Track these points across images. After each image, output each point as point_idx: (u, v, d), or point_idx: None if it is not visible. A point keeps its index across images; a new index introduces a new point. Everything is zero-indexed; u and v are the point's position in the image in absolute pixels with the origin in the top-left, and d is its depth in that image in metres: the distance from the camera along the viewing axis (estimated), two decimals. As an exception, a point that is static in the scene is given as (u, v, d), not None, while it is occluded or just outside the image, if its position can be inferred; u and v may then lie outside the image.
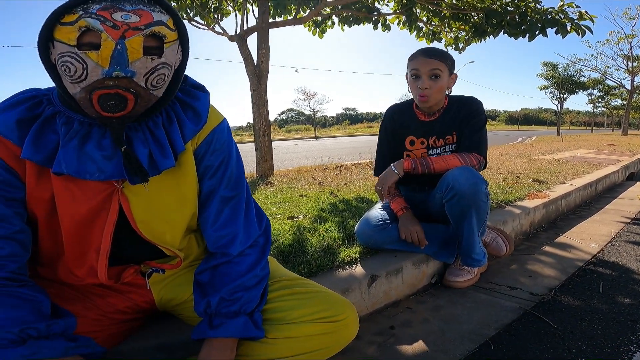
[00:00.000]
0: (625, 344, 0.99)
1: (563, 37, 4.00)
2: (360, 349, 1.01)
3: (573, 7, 4.05)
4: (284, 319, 0.71)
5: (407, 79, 1.41)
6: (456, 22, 4.73)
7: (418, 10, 4.66)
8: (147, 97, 0.61)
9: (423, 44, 5.42)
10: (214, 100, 0.80)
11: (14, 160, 0.62)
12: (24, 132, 0.62)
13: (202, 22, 4.37)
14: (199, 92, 0.75)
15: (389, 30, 4.73)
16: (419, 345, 1.03)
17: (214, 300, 0.70)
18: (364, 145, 15.12)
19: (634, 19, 17.35)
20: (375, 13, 4.46)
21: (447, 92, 1.42)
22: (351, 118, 76.44)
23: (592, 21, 4.06)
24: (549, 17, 4.05)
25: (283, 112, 74.56)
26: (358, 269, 1.22)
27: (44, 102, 0.65)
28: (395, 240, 1.35)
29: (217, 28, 4.40)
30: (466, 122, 1.38)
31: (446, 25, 4.87)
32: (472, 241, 1.28)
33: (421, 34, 4.99)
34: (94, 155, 0.62)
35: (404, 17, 4.64)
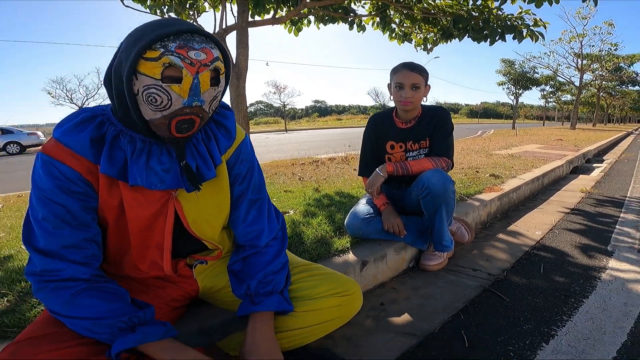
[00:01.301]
0: (560, 314, 1.26)
1: (519, 42, 4.42)
2: (359, 321, 1.23)
3: (530, 14, 4.49)
4: (309, 296, 0.91)
5: (389, 89, 1.64)
6: (426, 25, 5.04)
7: (392, 13, 4.91)
8: (206, 119, 0.76)
9: (394, 44, 5.71)
10: None
11: (89, 175, 0.75)
12: (96, 150, 0.74)
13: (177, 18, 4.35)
14: (227, 112, 0.91)
15: (363, 31, 4.95)
16: (406, 317, 1.27)
17: (253, 283, 0.89)
18: (335, 138, 15.36)
19: (586, 18, 18.75)
20: (351, 14, 4.66)
21: (423, 101, 1.67)
22: (320, 110, 76.60)
23: (545, 27, 4.51)
24: (509, 23, 4.45)
25: (251, 105, 73.19)
26: (350, 256, 1.44)
27: (105, 122, 0.76)
28: (380, 231, 1.58)
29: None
30: (437, 129, 1.63)
31: (417, 27, 5.16)
32: (442, 231, 1.54)
33: (393, 34, 5.26)
34: (156, 169, 0.77)
35: (378, 19, 4.88)
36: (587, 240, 1.96)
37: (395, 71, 1.60)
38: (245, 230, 0.94)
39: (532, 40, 4.37)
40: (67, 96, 19.69)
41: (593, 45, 20.02)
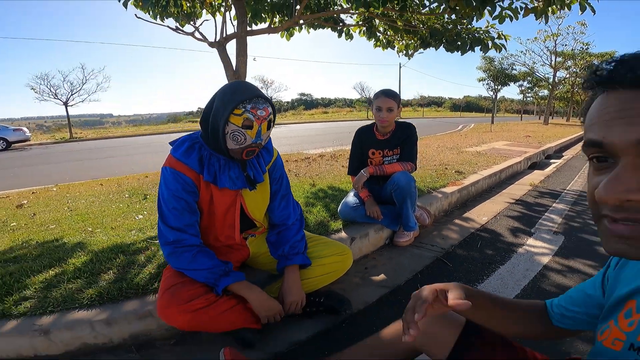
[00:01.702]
0: (482, 275, 1.82)
1: (484, 54, 5.06)
2: (350, 279, 1.79)
3: (494, 28, 5.12)
4: (318, 256, 1.46)
5: (371, 108, 2.18)
6: (407, 35, 5.60)
7: (377, 22, 5.44)
8: (261, 148, 1.28)
9: (379, 50, 6.25)
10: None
11: (196, 181, 1.26)
12: (200, 165, 1.25)
13: (180, 27, 4.73)
14: None
15: (351, 39, 5.45)
16: (383, 277, 1.84)
17: (286, 247, 1.42)
18: (322, 132, 15.78)
19: (561, 17, 19.69)
20: (340, 24, 5.17)
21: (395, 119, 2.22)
22: (306, 103, 76.62)
23: (506, 40, 5.16)
24: (477, 35, 5.07)
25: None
26: (343, 234, 1.99)
27: (201, 147, 1.27)
28: (363, 216, 2.13)
29: (197, 34, 4.80)
30: (406, 141, 2.19)
31: (399, 36, 5.72)
32: (408, 215, 2.10)
33: (378, 42, 5.79)
34: (232, 177, 1.29)
35: (364, 28, 5.40)
36: (518, 224, 2.58)
37: (376, 97, 2.14)
38: (279, 214, 1.47)
39: (497, 51, 4.98)
40: (50, 92, 19.44)
41: (566, 45, 21.07)
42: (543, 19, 4.04)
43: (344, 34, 5.50)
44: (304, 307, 1.43)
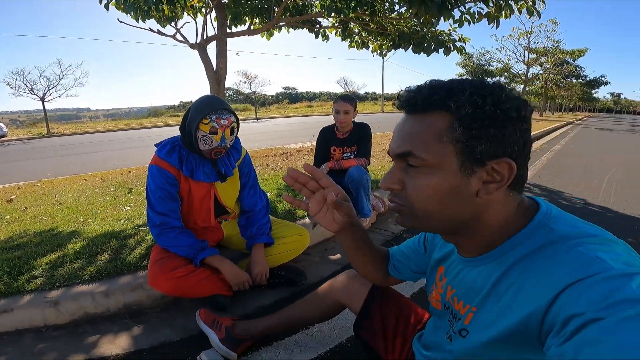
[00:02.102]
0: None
1: (446, 56, 5.45)
2: (311, 258, 2.13)
3: (455, 31, 5.53)
4: (280, 236, 1.78)
5: (332, 112, 2.51)
6: (380, 36, 5.95)
7: (352, 24, 5.76)
8: (227, 149, 1.59)
9: (354, 50, 6.59)
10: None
11: (177, 175, 1.56)
12: (180, 163, 1.54)
13: (163, 29, 4.93)
14: (236, 139, 1.74)
15: (327, 40, 5.76)
16: (339, 256, 2.18)
17: (254, 229, 1.74)
18: (304, 127, 16.00)
19: (532, 15, 20.45)
20: (317, 26, 5.47)
21: (353, 120, 2.56)
22: (291, 97, 76.30)
23: (466, 42, 5.57)
24: (440, 38, 5.46)
25: (219, 88, 70.92)
26: (306, 220, 2.33)
27: (180, 149, 1.57)
28: (326, 206, 2.47)
29: (179, 36, 5.00)
30: (361, 140, 2.54)
31: (372, 37, 6.07)
32: (363, 203, 2.45)
33: (353, 42, 6.12)
34: (207, 172, 1.60)
35: (339, 30, 5.71)
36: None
37: (335, 101, 2.47)
38: (248, 202, 1.79)
39: (458, 54, 5.40)
40: (27, 87, 18.98)
41: (538, 42, 21.90)
42: (495, 23, 4.47)
43: (320, 36, 5.83)
44: (268, 279, 1.75)
